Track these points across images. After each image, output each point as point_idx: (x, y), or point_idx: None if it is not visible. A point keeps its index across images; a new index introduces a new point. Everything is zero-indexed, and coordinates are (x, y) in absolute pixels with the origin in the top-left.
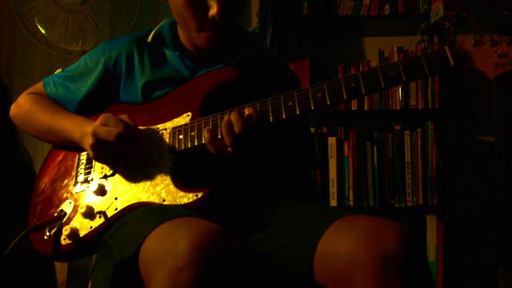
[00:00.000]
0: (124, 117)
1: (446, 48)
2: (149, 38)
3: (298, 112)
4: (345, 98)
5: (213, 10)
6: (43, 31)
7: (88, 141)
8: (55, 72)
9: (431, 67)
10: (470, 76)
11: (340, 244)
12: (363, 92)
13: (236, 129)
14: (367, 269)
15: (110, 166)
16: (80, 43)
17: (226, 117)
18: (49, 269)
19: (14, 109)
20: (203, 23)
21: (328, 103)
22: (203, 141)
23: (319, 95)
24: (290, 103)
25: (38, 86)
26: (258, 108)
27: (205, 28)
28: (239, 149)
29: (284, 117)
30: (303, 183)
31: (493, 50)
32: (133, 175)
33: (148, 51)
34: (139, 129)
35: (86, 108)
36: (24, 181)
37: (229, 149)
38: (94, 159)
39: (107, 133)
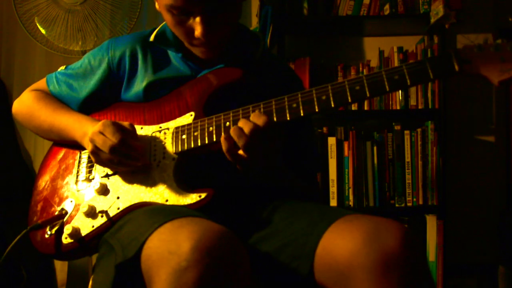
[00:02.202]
0: (126, 124)
1: (451, 53)
2: (151, 38)
3: (302, 114)
4: (349, 101)
5: (197, 32)
6: (43, 31)
7: (87, 145)
8: (59, 69)
9: (436, 71)
10: (470, 77)
11: (341, 244)
12: (368, 95)
13: (246, 129)
14: (367, 269)
15: (110, 169)
16: (80, 43)
17: (234, 126)
18: (49, 269)
19: (16, 106)
20: (192, 41)
21: (333, 106)
22: (224, 150)
23: (324, 97)
24: (295, 105)
25: (41, 83)
26: (262, 110)
27: (196, 44)
28: (252, 154)
29: (288, 118)
30: (308, 186)
31: (498, 55)
32: (136, 175)
33: (151, 51)
34: (138, 138)
35: (89, 106)
36: (24, 181)
37: (242, 153)
38: (94, 162)
39: (102, 143)
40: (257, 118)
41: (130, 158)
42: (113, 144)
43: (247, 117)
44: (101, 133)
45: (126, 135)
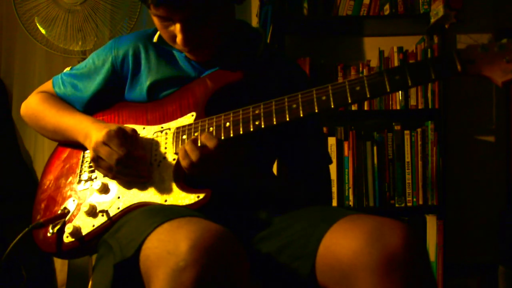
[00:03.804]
0: (129, 130)
1: (454, 53)
2: (155, 39)
3: (302, 115)
4: (349, 101)
5: (178, 39)
6: (43, 31)
7: (90, 150)
8: (64, 70)
9: (438, 72)
10: (472, 77)
11: (343, 244)
12: (368, 96)
13: (193, 157)
14: (370, 269)
15: (108, 177)
16: (80, 43)
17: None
18: (49, 269)
19: (23, 108)
20: (176, 46)
21: (332, 106)
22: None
23: (324, 98)
24: (294, 106)
25: (48, 85)
26: (262, 110)
27: (180, 49)
28: (196, 170)
29: (288, 119)
30: (317, 189)
31: (502, 55)
32: None
33: (154, 50)
34: (141, 143)
35: (94, 106)
36: (24, 181)
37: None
38: (95, 168)
39: (108, 155)
40: (207, 140)
41: (134, 169)
42: (119, 157)
43: (247, 117)
44: (106, 144)
45: (131, 145)
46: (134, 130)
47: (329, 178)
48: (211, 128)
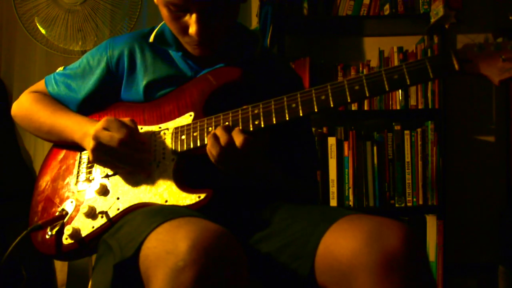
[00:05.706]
0: (126, 120)
1: (451, 52)
2: (151, 38)
3: (301, 114)
4: (348, 100)
5: (192, 29)
6: (43, 31)
7: (89, 143)
8: (57, 70)
9: (436, 71)
10: (470, 76)
11: (342, 244)
12: (367, 95)
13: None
14: (369, 269)
15: (110, 169)
16: (80, 43)
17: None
18: (49, 269)
19: (15, 108)
20: (185, 37)
21: (332, 105)
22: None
23: (323, 97)
24: (294, 105)
25: (40, 84)
26: (261, 110)
27: (188, 42)
28: (225, 163)
29: (287, 118)
30: (305, 186)
31: (498, 54)
32: (135, 175)
33: (150, 50)
34: (141, 133)
35: (88, 106)
36: (24, 181)
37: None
38: (94, 161)
39: (109, 138)
40: (236, 136)
41: (138, 151)
42: (121, 137)
43: (246, 116)
44: (106, 129)
45: (131, 129)
46: (133, 121)
47: (316, 179)
48: (210, 128)
